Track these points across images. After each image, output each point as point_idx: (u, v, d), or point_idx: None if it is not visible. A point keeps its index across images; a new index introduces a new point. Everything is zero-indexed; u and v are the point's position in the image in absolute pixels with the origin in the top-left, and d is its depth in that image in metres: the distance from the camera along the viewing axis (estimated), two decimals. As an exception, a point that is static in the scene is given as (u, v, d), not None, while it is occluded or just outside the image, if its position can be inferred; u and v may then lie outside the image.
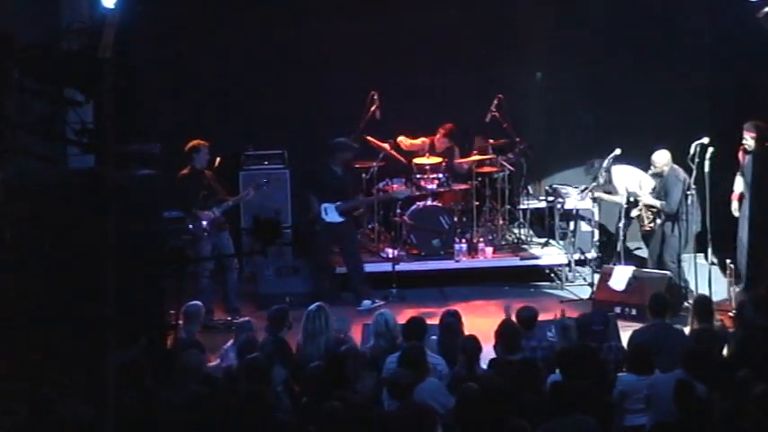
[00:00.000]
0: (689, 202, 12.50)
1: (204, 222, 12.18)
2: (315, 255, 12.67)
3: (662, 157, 12.60)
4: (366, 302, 12.39)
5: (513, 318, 9.70)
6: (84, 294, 6.60)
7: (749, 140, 12.44)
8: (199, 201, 12.23)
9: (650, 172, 12.76)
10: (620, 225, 12.84)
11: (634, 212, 12.75)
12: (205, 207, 12.25)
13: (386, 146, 13.54)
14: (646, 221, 12.70)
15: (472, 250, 13.45)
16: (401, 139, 13.81)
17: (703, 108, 14.50)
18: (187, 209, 12.23)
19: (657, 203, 12.55)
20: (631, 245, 13.54)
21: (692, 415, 7.63)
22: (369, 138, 13.50)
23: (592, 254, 13.45)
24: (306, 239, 12.36)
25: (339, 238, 12.74)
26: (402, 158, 13.73)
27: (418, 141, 13.75)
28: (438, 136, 13.82)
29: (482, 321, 10.88)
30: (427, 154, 13.68)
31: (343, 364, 8.48)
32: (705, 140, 12.38)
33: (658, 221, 12.58)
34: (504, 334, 9.04)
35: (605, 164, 13.03)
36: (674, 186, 12.51)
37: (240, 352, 9.12)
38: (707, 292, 11.95)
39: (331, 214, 12.55)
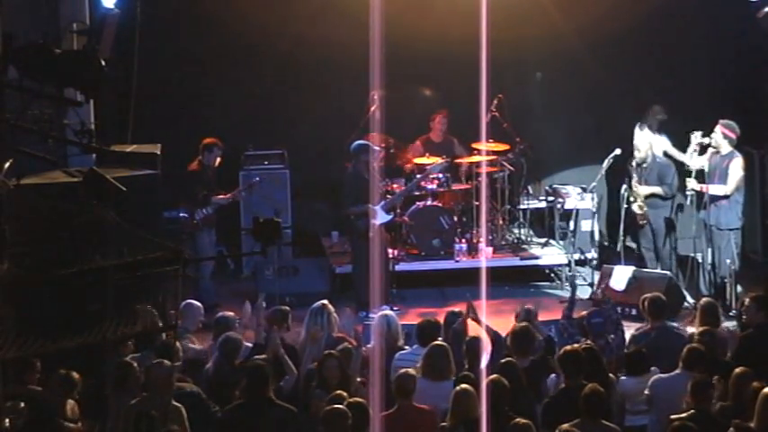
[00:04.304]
0: (687, 202, 12.50)
1: (198, 217, 12.64)
2: (364, 262, 12.38)
3: (642, 138, 12.72)
4: (362, 313, 12.25)
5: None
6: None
7: (720, 139, 12.17)
8: (200, 197, 12.63)
9: (636, 159, 12.74)
10: (621, 223, 12.87)
11: (635, 207, 12.73)
12: (204, 204, 12.66)
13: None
14: (640, 213, 12.72)
15: (472, 250, 13.44)
16: (417, 160, 13.65)
17: (703, 108, 14.49)
18: (192, 202, 12.63)
19: (658, 189, 12.57)
20: (633, 244, 13.52)
21: (705, 414, 7.64)
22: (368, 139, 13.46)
23: (592, 254, 13.45)
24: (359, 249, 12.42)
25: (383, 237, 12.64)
26: (408, 156, 13.73)
27: (439, 160, 13.56)
28: (435, 123, 13.81)
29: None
30: (427, 154, 13.65)
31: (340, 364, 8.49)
32: (705, 141, 12.38)
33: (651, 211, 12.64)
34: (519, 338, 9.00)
35: (605, 164, 13.02)
36: (668, 169, 12.56)
37: (223, 351, 9.05)
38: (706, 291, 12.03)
39: (381, 216, 12.44)
